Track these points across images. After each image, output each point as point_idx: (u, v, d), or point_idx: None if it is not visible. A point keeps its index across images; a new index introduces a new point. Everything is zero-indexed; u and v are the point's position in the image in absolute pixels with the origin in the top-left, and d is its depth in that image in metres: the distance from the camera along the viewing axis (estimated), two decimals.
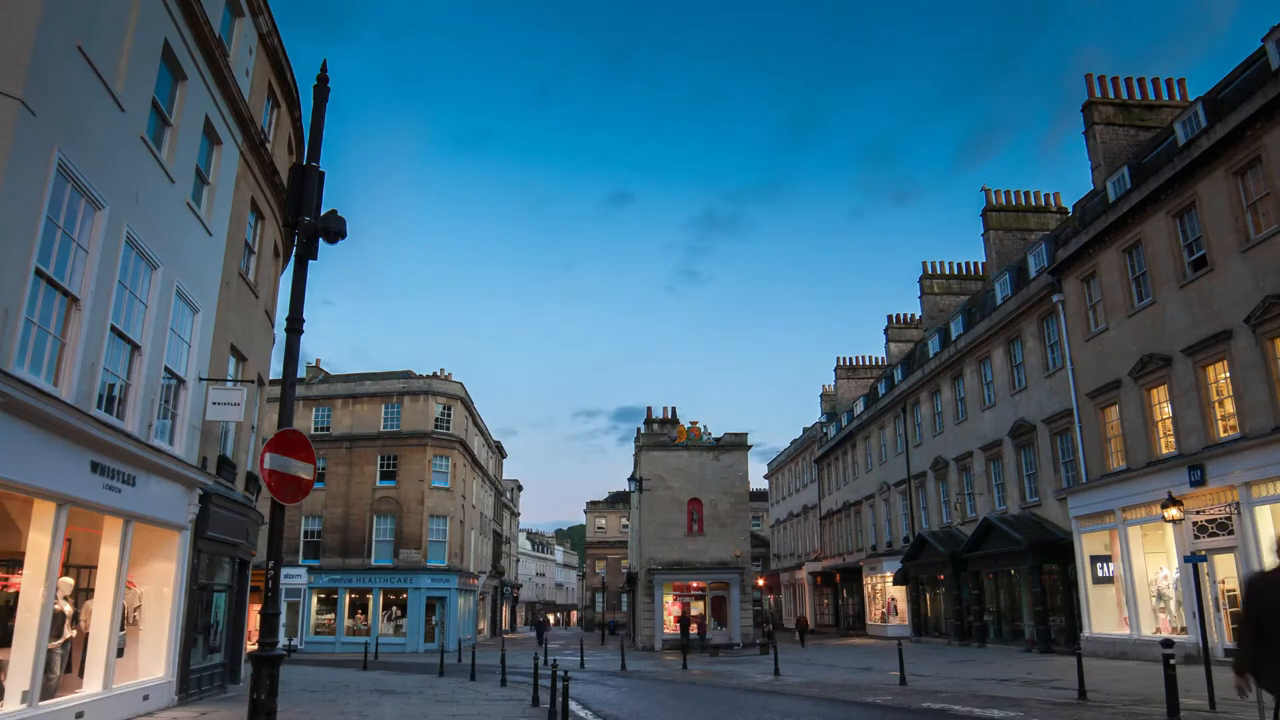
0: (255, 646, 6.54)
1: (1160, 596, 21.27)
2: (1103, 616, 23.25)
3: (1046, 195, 35.41)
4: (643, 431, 44.84)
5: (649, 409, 46.89)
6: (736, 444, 43.15)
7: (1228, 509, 18.27)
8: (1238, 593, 18.18)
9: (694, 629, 39.01)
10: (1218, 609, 18.67)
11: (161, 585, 13.57)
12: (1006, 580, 29.10)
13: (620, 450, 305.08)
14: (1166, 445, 20.91)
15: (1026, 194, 35.25)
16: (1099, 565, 23.56)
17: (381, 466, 43.67)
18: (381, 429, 44.32)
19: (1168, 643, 11.55)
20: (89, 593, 11.74)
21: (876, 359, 55.56)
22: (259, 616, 7.01)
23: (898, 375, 42.25)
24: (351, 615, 42.53)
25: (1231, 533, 18.16)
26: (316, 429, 44.38)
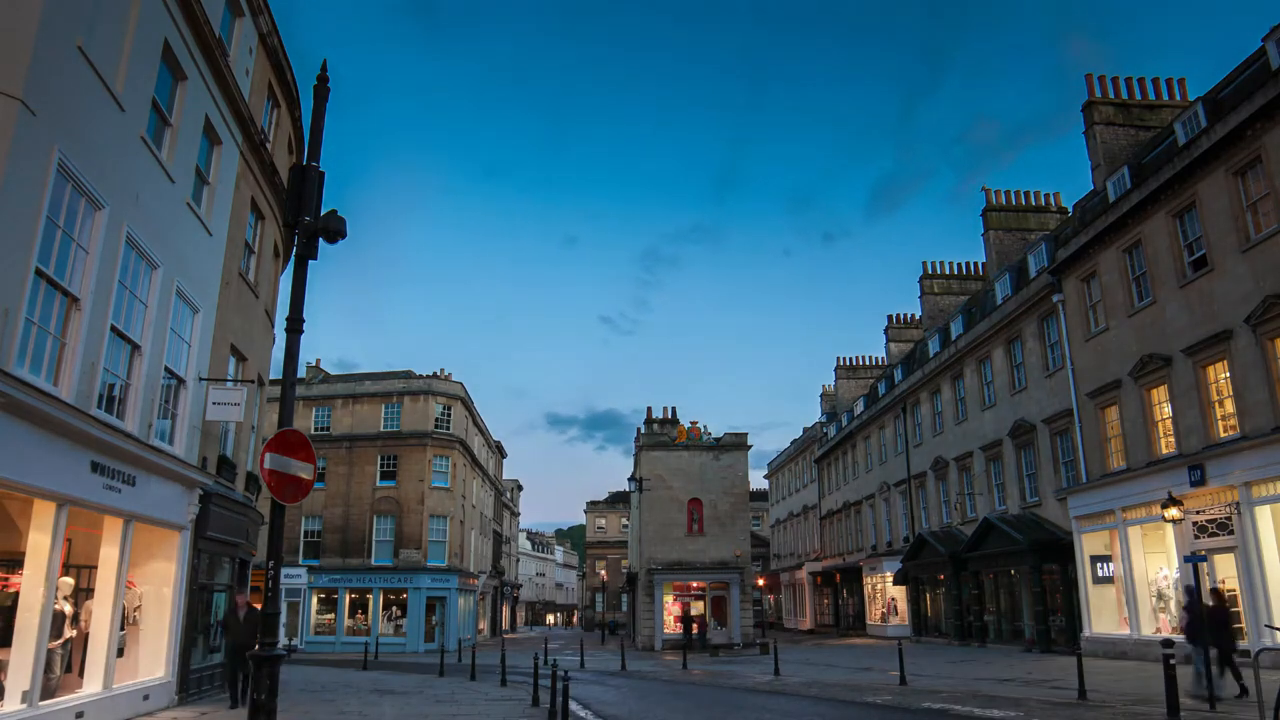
0: (255, 646, 6.54)
1: (1160, 596, 21.27)
2: (1103, 616, 23.26)
3: (1046, 195, 35.41)
4: (643, 431, 44.84)
5: (649, 409, 46.90)
6: (736, 444, 43.16)
7: (1228, 509, 18.27)
8: (1238, 593, 18.17)
9: (695, 628, 39.08)
10: None
11: (161, 585, 13.57)
12: (1006, 580, 29.10)
13: (599, 456, 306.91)
14: (1166, 445, 20.91)
15: (1026, 194, 35.25)
16: (1099, 565, 23.56)
17: (381, 466, 43.67)
18: (381, 429, 44.32)
19: (1168, 643, 11.56)
20: (89, 593, 11.74)
21: (876, 359, 55.57)
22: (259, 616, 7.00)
23: (898, 375, 42.26)
24: (351, 615, 42.53)
25: (1231, 533, 18.15)
26: (316, 429, 44.39)
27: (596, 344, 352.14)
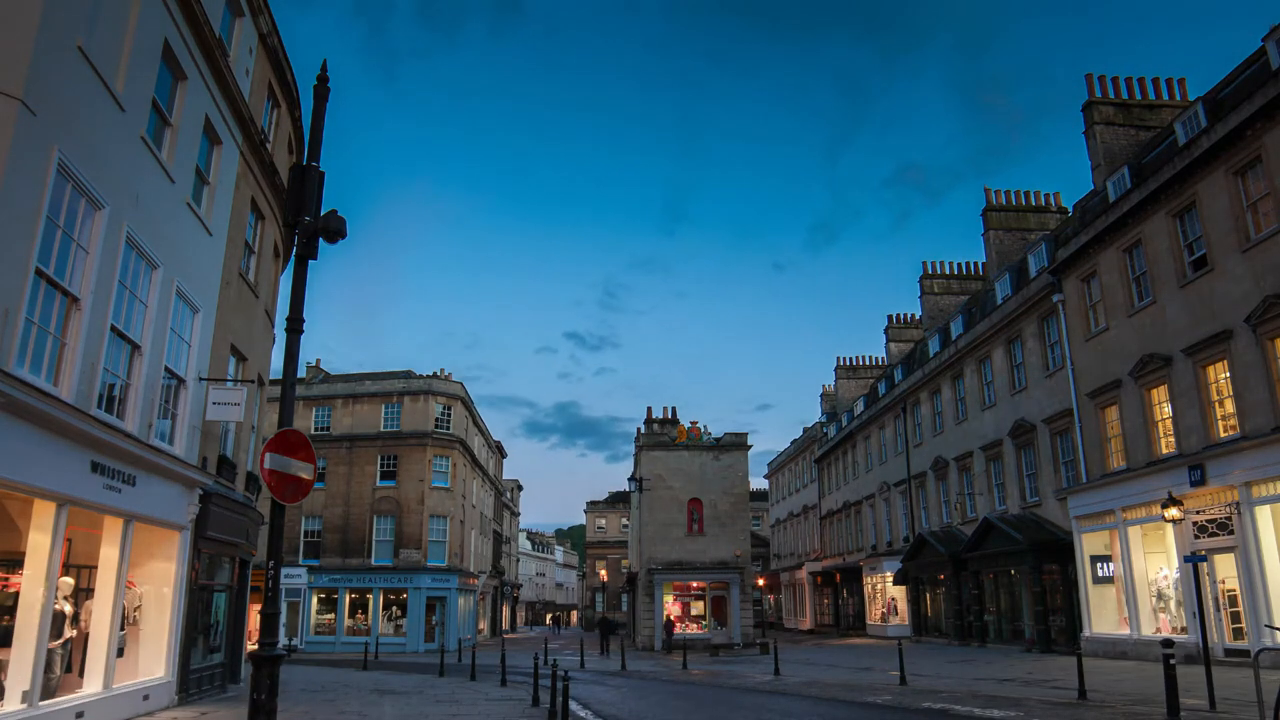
0: (255, 646, 6.54)
1: (1160, 596, 21.27)
2: (1103, 616, 23.26)
3: (1046, 195, 35.38)
4: (643, 431, 44.85)
5: (649, 409, 46.93)
6: (736, 444, 43.16)
7: (1228, 509, 18.26)
8: (1238, 592, 18.18)
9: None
10: (1218, 609, 18.66)
11: (161, 585, 13.57)
12: (1006, 580, 29.10)
13: (582, 462, 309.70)
14: (1166, 445, 20.91)
15: (1026, 194, 35.22)
16: (1099, 565, 23.56)
17: (381, 466, 43.67)
18: (381, 429, 44.32)
19: (1168, 643, 11.55)
20: (89, 593, 11.74)
21: (876, 359, 55.58)
22: (259, 616, 7.01)
23: (898, 375, 42.26)
24: (351, 615, 42.54)
25: (1232, 533, 18.15)
26: (316, 429, 44.39)
27: (565, 358, 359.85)
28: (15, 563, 10.08)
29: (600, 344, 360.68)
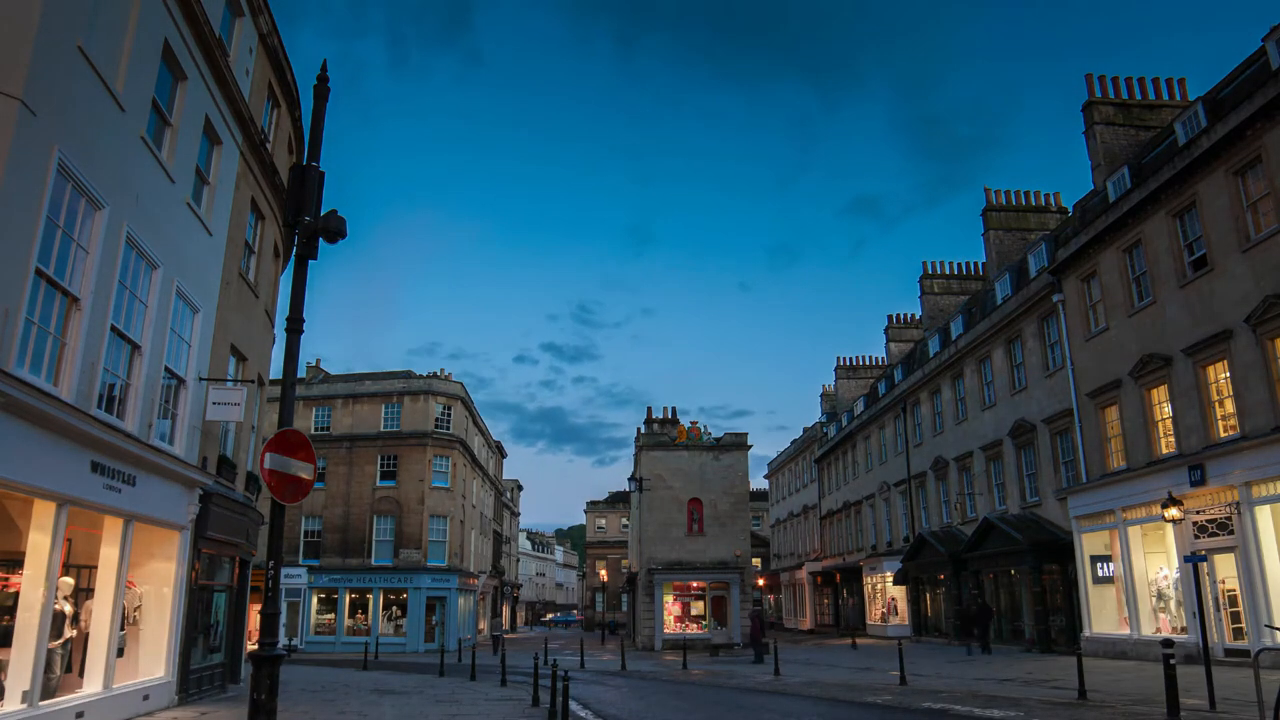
0: (255, 646, 6.54)
1: (1160, 596, 21.27)
2: (1103, 616, 23.25)
3: (1046, 195, 35.39)
4: (643, 431, 44.84)
5: (649, 409, 46.95)
6: (736, 444, 43.16)
7: (1228, 509, 18.27)
8: (1238, 592, 18.18)
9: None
10: (1218, 609, 18.66)
11: (161, 585, 13.57)
12: (1007, 580, 29.10)
13: (570, 466, 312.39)
14: (1166, 445, 20.91)
15: (1026, 194, 35.23)
16: (1099, 565, 23.56)
17: (381, 466, 43.67)
18: (381, 429, 44.32)
19: (1168, 643, 11.56)
20: (89, 593, 11.74)
21: (876, 359, 55.59)
22: (259, 616, 7.01)
23: (898, 375, 42.26)
24: (351, 615, 42.53)
25: (1231, 533, 18.15)
26: (316, 429, 44.39)
27: (545, 368, 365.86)
28: (15, 563, 10.07)
29: (578, 355, 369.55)
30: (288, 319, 7.32)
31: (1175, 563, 20.27)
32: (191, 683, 14.49)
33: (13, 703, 9.12)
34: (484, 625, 55.27)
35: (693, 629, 40.40)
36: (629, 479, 47.14)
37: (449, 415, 45.62)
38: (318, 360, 49.44)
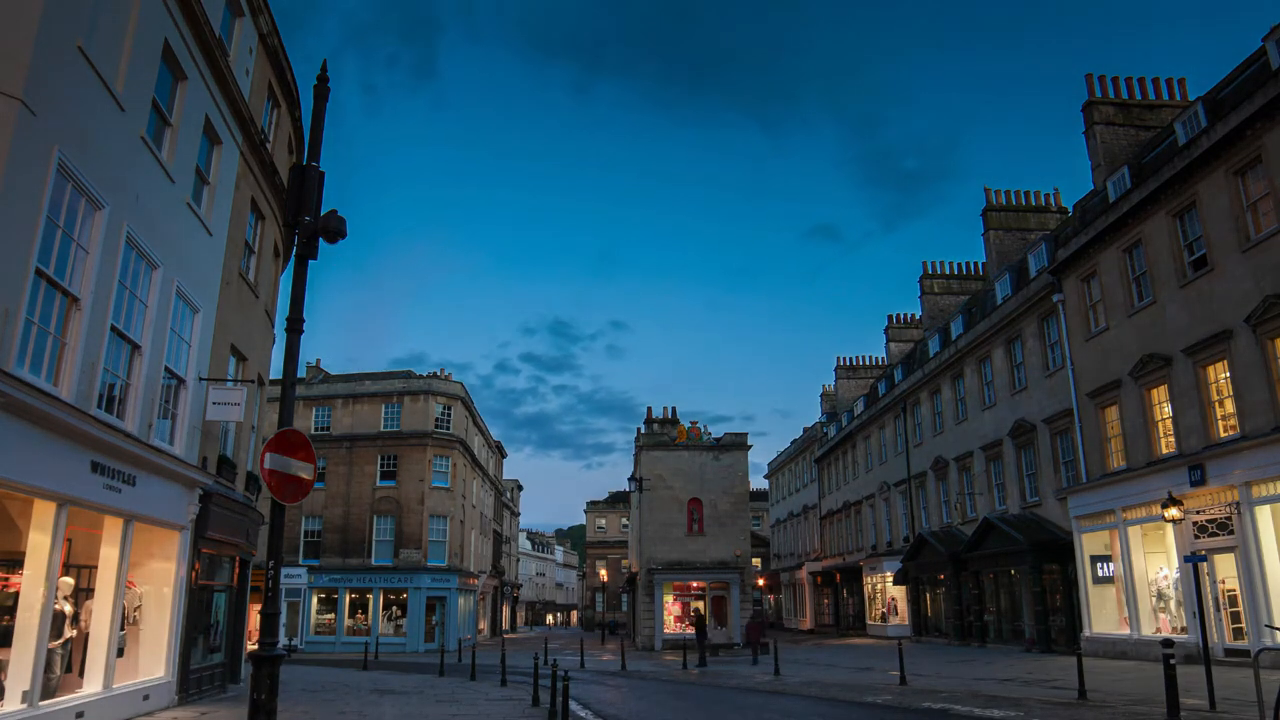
0: (255, 646, 6.54)
1: (1160, 596, 21.27)
2: (1103, 616, 23.26)
3: (1046, 195, 35.39)
4: (643, 431, 44.84)
5: (649, 409, 46.95)
6: (736, 444, 43.16)
7: (1228, 509, 18.27)
8: (1238, 592, 18.18)
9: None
10: (1218, 609, 18.66)
11: (161, 585, 13.57)
12: (1006, 580, 29.10)
13: (559, 468, 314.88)
14: (1166, 445, 20.91)
15: (1026, 194, 35.23)
16: (1099, 565, 23.56)
17: (381, 466, 43.67)
18: (381, 429, 44.32)
19: (1168, 643, 11.55)
20: (89, 593, 11.74)
21: (876, 359, 55.58)
22: (259, 616, 7.01)
23: (898, 375, 42.25)
24: (351, 615, 42.54)
25: (1232, 532, 18.15)
26: (316, 429, 44.38)
27: (526, 377, 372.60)
28: (15, 563, 10.07)
29: (558, 365, 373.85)
30: (288, 319, 7.32)
31: (1175, 563, 20.27)
32: (191, 683, 14.49)
33: (13, 703, 9.12)
34: (484, 625, 55.28)
35: (693, 629, 40.35)
36: (629, 479, 47.14)
37: (449, 415, 45.61)
38: (318, 360, 49.46)
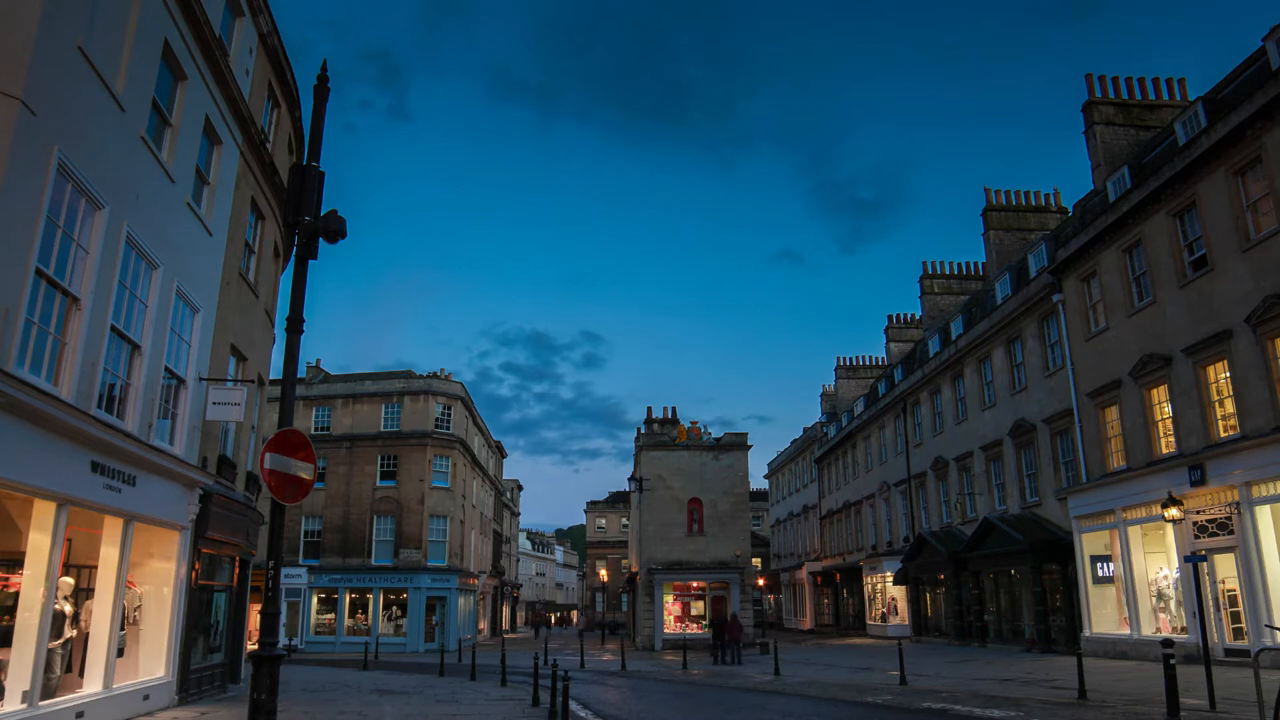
0: (255, 646, 6.54)
1: (1160, 596, 21.28)
2: (1103, 616, 23.26)
3: (1046, 195, 35.39)
4: (643, 431, 44.84)
5: (649, 409, 46.92)
6: (736, 444, 43.15)
7: (1228, 509, 18.27)
8: (1238, 592, 18.18)
9: (691, 628, 39.06)
10: (1218, 609, 18.66)
11: (161, 585, 13.57)
12: (1006, 580, 29.10)
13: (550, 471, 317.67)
14: (1166, 445, 20.91)
15: (1026, 194, 35.23)
16: (1099, 565, 23.56)
17: (381, 466, 43.67)
18: (381, 429, 44.32)
19: (1168, 643, 11.56)
20: (89, 593, 11.74)
21: (876, 359, 55.58)
22: (259, 616, 7.01)
23: (898, 375, 42.25)
24: (352, 615, 42.53)
25: (1232, 532, 18.15)
26: (316, 429, 44.38)
27: (509, 386, 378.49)
28: (15, 563, 10.07)
29: (538, 375, 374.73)
30: (288, 319, 7.32)
31: (1175, 563, 20.27)
32: (191, 683, 14.49)
33: (13, 703, 9.12)
34: (484, 625, 55.28)
35: (693, 629, 40.39)
36: (629, 479, 47.14)
37: (449, 415, 45.61)
38: (318, 360, 49.41)
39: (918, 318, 47.15)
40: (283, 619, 36.58)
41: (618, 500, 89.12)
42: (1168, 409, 20.88)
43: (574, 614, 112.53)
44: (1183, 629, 19.86)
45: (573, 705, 13.66)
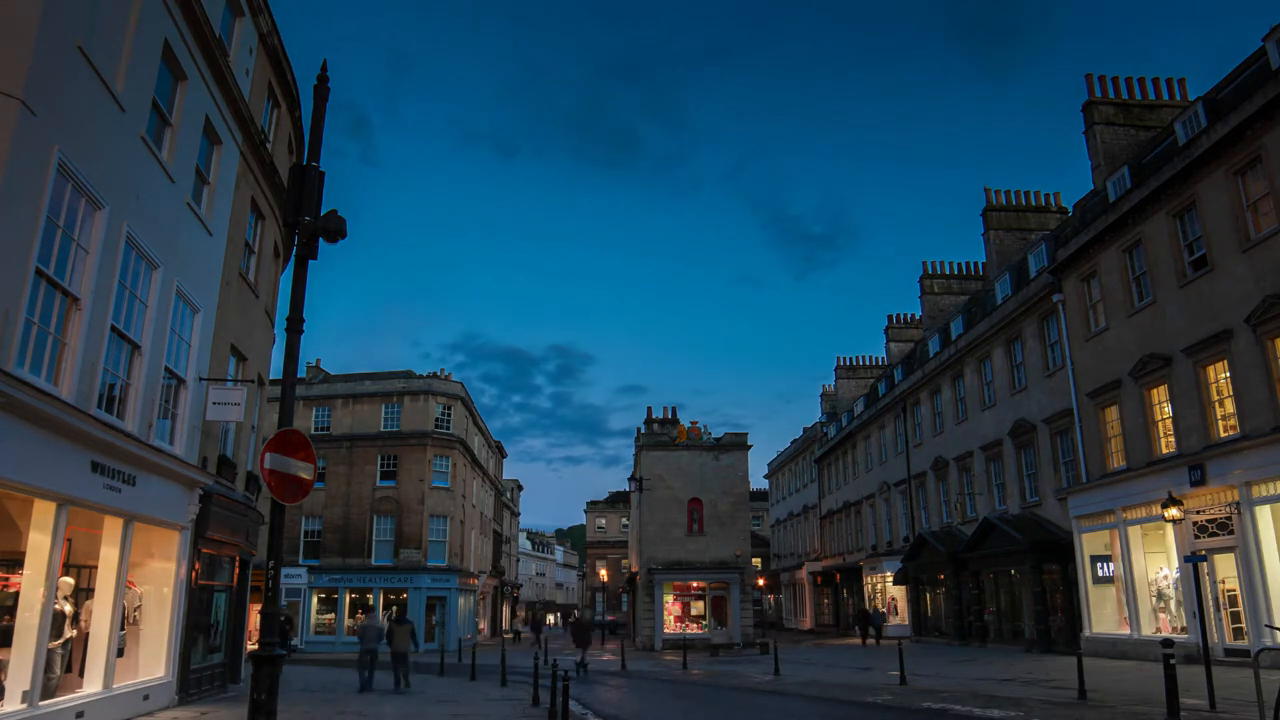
0: (255, 646, 6.54)
1: (1160, 596, 21.27)
2: (1103, 616, 23.25)
3: (1046, 195, 35.37)
4: (643, 431, 44.84)
5: (649, 409, 46.97)
6: (736, 444, 43.15)
7: (1228, 509, 18.27)
8: (1238, 592, 18.18)
9: (692, 628, 39.04)
10: (1218, 609, 18.66)
11: (161, 585, 13.57)
12: (1006, 580, 29.10)
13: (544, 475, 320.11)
14: (1166, 445, 20.91)
15: (1026, 194, 35.21)
16: (1099, 565, 23.55)
17: (381, 466, 43.67)
18: (381, 429, 44.31)
19: (1168, 642, 11.55)
20: (89, 593, 11.74)
21: (876, 359, 55.56)
22: (259, 616, 7.00)
23: (898, 375, 42.24)
24: (352, 615, 42.50)
25: (1232, 532, 18.15)
26: (316, 429, 44.38)
27: (490, 396, 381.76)
28: (15, 563, 10.07)
29: (516, 388, 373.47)
30: (288, 319, 7.31)
31: (1175, 563, 20.27)
32: (191, 683, 14.49)
33: (13, 703, 9.12)
34: (484, 625, 55.26)
35: (693, 629, 40.40)
36: (629, 479, 47.14)
37: (449, 415, 45.61)
38: (318, 360, 49.41)
39: (918, 318, 47.13)
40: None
41: (618, 500, 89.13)
42: (1168, 409, 20.88)
43: (574, 614, 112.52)
44: (1183, 629, 19.86)
45: (573, 705, 13.66)
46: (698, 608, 41.26)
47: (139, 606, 13.22)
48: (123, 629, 12.21)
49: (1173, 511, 15.24)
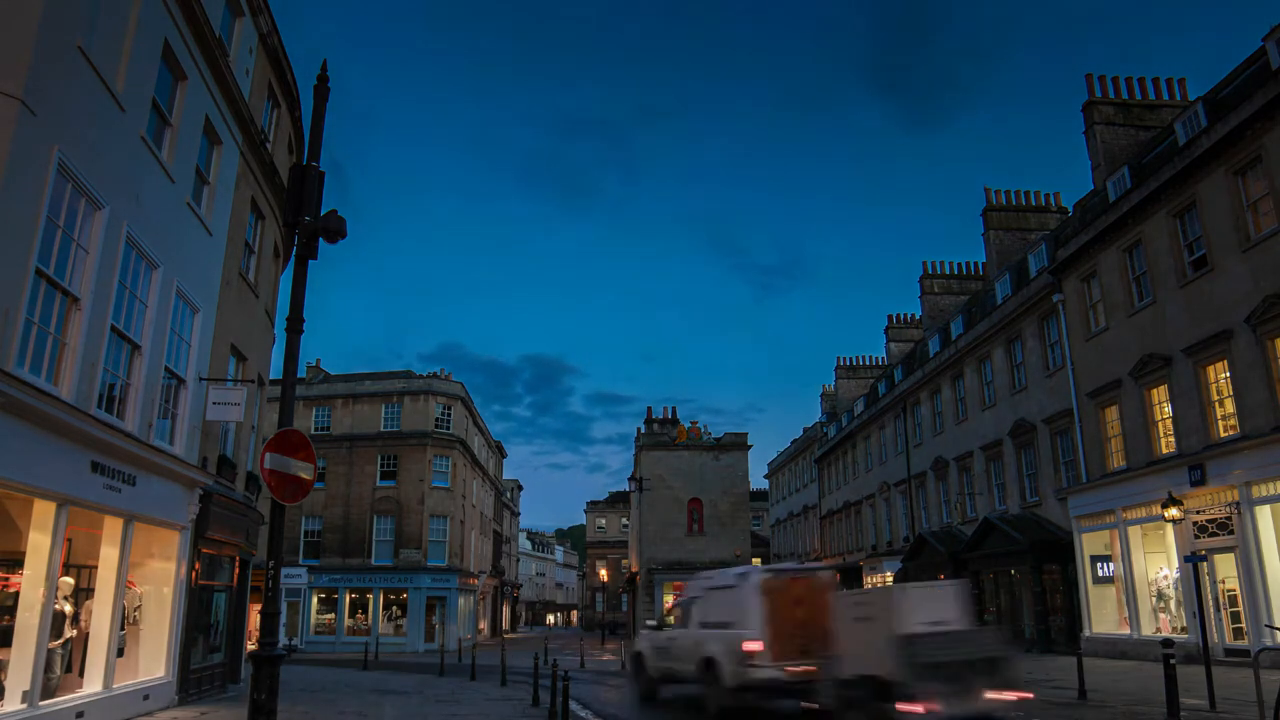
0: (255, 646, 6.54)
1: (1160, 596, 21.27)
2: (1103, 616, 23.25)
3: (1046, 195, 35.37)
4: (643, 431, 44.85)
5: (649, 409, 46.97)
6: (736, 444, 43.19)
7: (1228, 509, 18.27)
8: (1238, 592, 18.18)
9: None
10: (1218, 609, 18.67)
11: (161, 585, 13.57)
12: (1006, 580, 29.09)
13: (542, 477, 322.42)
14: (1166, 445, 20.91)
15: (1026, 194, 35.21)
16: (1099, 565, 23.55)
17: (381, 466, 43.68)
18: (381, 429, 44.32)
19: (1168, 642, 11.56)
20: (89, 593, 11.73)
21: (876, 359, 55.52)
22: (259, 616, 7.01)
23: (898, 375, 42.24)
24: (352, 615, 42.55)
25: (1232, 532, 18.16)
26: (316, 429, 44.38)
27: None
28: (15, 563, 10.07)
29: (495, 398, 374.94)
30: (288, 319, 7.32)
31: (1175, 563, 20.27)
32: (191, 683, 14.49)
33: (13, 703, 9.13)
34: (484, 625, 55.27)
35: None
36: (629, 479, 47.16)
37: (449, 415, 45.61)
38: (318, 360, 49.43)
39: (918, 318, 47.12)
40: (283, 619, 36.57)
41: (618, 500, 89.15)
42: (1168, 409, 20.88)
43: (574, 614, 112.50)
44: (1183, 629, 19.86)
45: (573, 705, 13.65)
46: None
47: (139, 606, 13.23)
48: (123, 629, 12.21)
49: (1173, 511, 15.24)
